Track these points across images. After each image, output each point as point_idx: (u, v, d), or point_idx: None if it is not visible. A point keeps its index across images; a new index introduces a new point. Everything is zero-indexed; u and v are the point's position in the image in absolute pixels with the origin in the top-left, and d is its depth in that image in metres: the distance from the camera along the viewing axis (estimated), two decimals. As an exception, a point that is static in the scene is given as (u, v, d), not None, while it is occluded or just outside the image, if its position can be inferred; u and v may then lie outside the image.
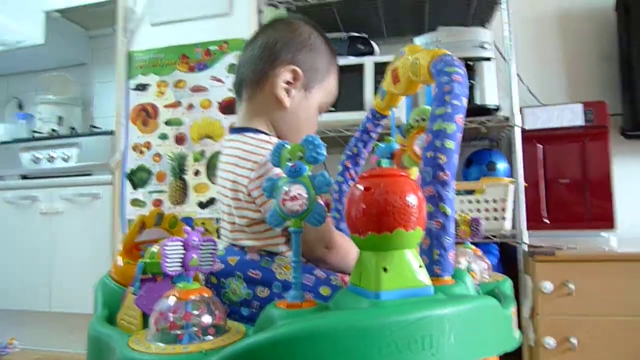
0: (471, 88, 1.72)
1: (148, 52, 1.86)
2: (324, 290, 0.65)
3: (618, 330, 1.38)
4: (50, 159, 1.95)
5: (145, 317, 0.60)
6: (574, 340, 1.40)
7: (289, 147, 0.57)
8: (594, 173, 1.75)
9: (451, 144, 0.62)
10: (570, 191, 1.77)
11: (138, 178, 1.83)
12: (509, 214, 1.60)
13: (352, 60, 1.80)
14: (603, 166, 1.75)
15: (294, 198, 0.54)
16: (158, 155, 1.82)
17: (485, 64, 1.71)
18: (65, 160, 1.93)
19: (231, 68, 1.77)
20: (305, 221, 0.55)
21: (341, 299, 0.53)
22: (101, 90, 2.54)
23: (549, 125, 1.80)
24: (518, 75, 1.91)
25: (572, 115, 1.79)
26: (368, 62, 1.76)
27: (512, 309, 0.67)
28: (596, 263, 1.41)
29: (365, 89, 1.74)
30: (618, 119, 1.86)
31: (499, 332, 0.59)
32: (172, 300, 0.51)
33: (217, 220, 1.74)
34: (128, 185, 1.84)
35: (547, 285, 1.43)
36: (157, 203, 1.80)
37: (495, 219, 1.59)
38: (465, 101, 0.66)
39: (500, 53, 1.77)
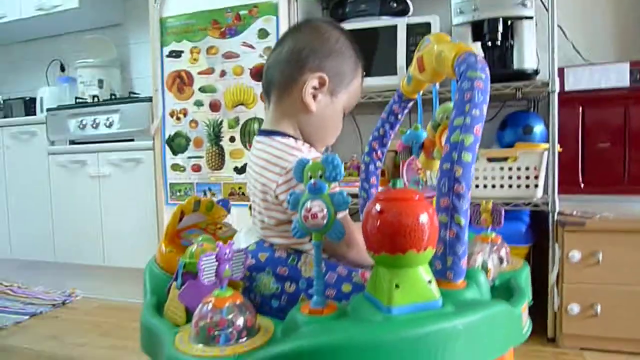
0: (509, 50, 1.65)
1: (179, 18, 1.88)
2: (346, 287, 0.70)
3: (643, 300, 1.40)
4: (95, 125, 2.06)
5: (188, 311, 0.68)
6: (597, 307, 1.43)
7: (310, 164, 0.61)
8: (636, 138, 1.68)
9: (468, 157, 0.63)
10: (610, 155, 1.72)
11: (177, 144, 1.91)
12: (541, 182, 1.59)
13: (384, 21, 1.76)
14: (648, 130, 1.67)
15: (314, 215, 0.58)
16: (194, 121, 1.88)
17: (525, 23, 1.63)
18: (108, 126, 2.04)
19: (261, 33, 1.77)
20: (325, 235, 0.59)
21: (358, 306, 0.59)
22: (137, 51, 2.59)
23: (592, 87, 1.72)
24: (561, 29, 1.83)
25: (617, 75, 1.70)
26: (400, 24, 1.71)
27: (524, 305, 0.71)
28: (625, 234, 1.41)
29: (398, 53, 1.70)
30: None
31: (507, 333, 0.63)
32: (209, 307, 0.58)
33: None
34: (168, 151, 1.93)
35: (576, 255, 1.45)
36: (196, 168, 1.89)
37: (527, 186, 1.58)
38: (485, 108, 0.66)
39: (544, 4, 1.67)
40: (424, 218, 0.54)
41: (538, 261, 1.73)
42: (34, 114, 2.52)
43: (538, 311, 1.57)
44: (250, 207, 0.91)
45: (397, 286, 0.55)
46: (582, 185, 1.76)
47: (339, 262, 0.75)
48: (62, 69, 2.71)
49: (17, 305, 2.05)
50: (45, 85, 2.68)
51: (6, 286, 2.30)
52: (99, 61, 2.44)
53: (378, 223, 0.55)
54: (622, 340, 1.44)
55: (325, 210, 0.59)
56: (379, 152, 1.11)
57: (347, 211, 0.82)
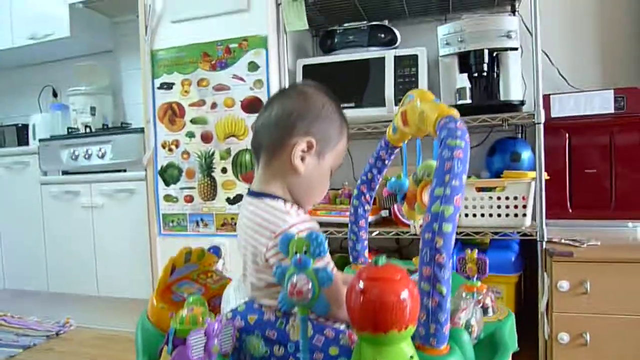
0: (496, 81, 1.68)
1: (170, 51, 1.90)
2: (333, 351, 0.72)
3: (631, 329, 1.41)
4: (87, 156, 2.07)
5: (178, 378, 0.69)
6: (586, 336, 1.45)
7: (296, 239, 0.63)
8: (622, 163, 1.71)
9: (448, 228, 0.65)
10: (597, 181, 1.75)
11: (169, 175, 1.92)
12: (529, 210, 1.61)
13: (372, 53, 1.78)
14: (634, 156, 1.70)
15: (299, 292, 0.60)
16: (186, 152, 1.89)
17: (510, 54, 1.66)
18: (100, 157, 2.05)
19: (251, 66, 1.79)
20: (311, 310, 0.61)
21: (343, 379, 0.60)
22: (129, 78, 2.61)
23: (577, 113, 1.75)
24: (546, 54, 1.87)
25: (602, 102, 1.73)
26: (388, 56, 1.74)
27: (507, 362, 0.73)
28: (612, 264, 1.43)
29: (386, 85, 1.73)
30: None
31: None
32: (197, 384, 0.59)
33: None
34: (160, 182, 1.94)
35: (564, 284, 1.47)
36: (189, 199, 1.90)
37: (516, 215, 1.61)
38: (464, 178, 0.68)
39: (528, 30, 1.69)
40: (405, 298, 0.56)
41: (528, 288, 1.75)
42: (27, 141, 2.53)
43: (530, 338, 1.59)
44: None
45: (379, 363, 0.57)
46: (571, 210, 1.79)
47: (328, 320, 0.76)
48: (55, 94, 2.72)
49: (10, 337, 2.05)
50: (38, 112, 2.70)
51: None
52: (91, 88, 2.46)
53: (361, 302, 0.57)
54: (611, 368, 1.46)
55: (310, 285, 0.60)
56: (367, 195, 1.14)
57: (336, 273, 0.84)
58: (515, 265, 1.60)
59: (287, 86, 0.93)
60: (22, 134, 2.58)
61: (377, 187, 1.14)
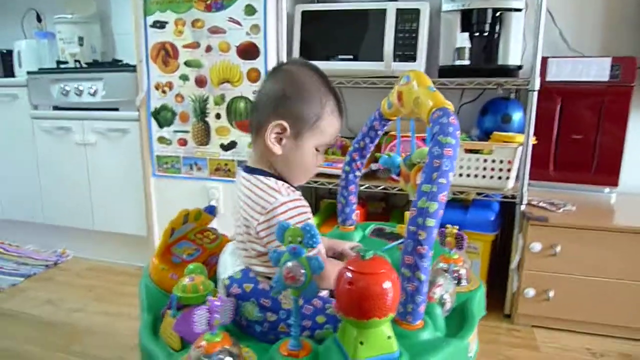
0: (495, 42, 1.66)
1: (163, -14, 1.81)
2: (320, 319, 0.80)
3: (590, 288, 1.55)
4: (79, 92, 2.03)
5: (182, 339, 0.78)
6: (550, 293, 1.59)
7: (291, 229, 0.68)
8: (608, 132, 1.75)
9: (432, 222, 0.71)
10: (582, 147, 1.80)
11: (162, 117, 1.92)
12: (513, 174, 1.68)
13: (373, 4, 1.73)
14: (619, 126, 1.74)
15: (292, 278, 0.66)
16: (180, 95, 1.88)
17: (513, 15, 1.63)
18: (92, 94, 2.01)
19: (248, 9, 1.73)
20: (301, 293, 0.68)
21: (328, 352, 0.69)
22: (117, 5, 2.49)
23: (572, 79, 1.76)
24: (551, 14, 1.83)
25: (598, 70, 1.74)
26: (390, 8, 1.69)
27: (472, 335, 0.83)
28: (583, 230, 1.52)
29: (386, 39, 1.70)
30: (647, 73, 1.79)
31: (454, 364, 0.75)
32: (201, 351, 0.67)
33: (240, 162, 1.87)
34: (154, 123, 1.94)
35: (536, 246, 1.58)
36: (182, 142, 1.92)
37: (500, 177, 1.67)
38: (451, 175, 0.73)
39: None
40: (387, 291, 0.62)
41: (503, 246, 1.87)
42: (11, 69, 2.45)
43: (499, 291, 1.73)
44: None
45: (361, 343, 0.65)
46: (553, 173, 1.86)
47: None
48: (39, 19, 2.60)
49: (11, 265, 2.14)
50: (22, 38, 2.59)
51: (-3, 244, 2.38)
52: (78, 17, 2.35)
53: (346, 293, 0.63)
54: (567, 320, 1.62)
55: (303, 272, 0.66)
56: (358, 162, 1.18)
57: (322, 250, 0.90)
58: (494, 224, 1.69)
59: (276, 65, 0.92)
60: (6, 61, 2.49)
61: (369, 155, 1.18)
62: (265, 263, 0.84)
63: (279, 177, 0.86)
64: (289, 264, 0.67)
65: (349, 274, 0.64)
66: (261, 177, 0.85)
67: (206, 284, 0.82)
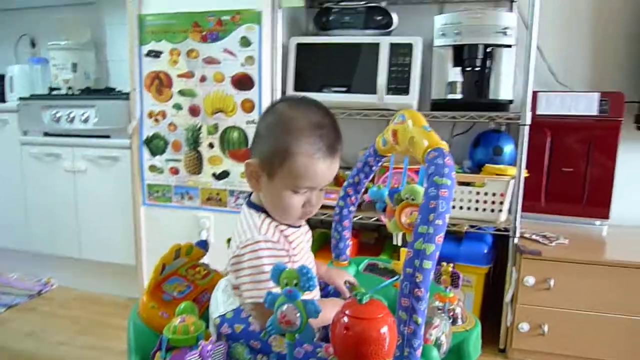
0: (487, 77, 1.69)
1: (159, 17, 1.83)
2: None
3: (586, 323, 1.54)
4: (70, 119, 2.02)
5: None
6: (544, 327, 1.57)
7: (287, 271, 0.66)
8: (598, 165, 1.77)
9: (428, 265, 0.69)
10: (572, 180, 1.81)
11: (154, 145, 1.91)
12: (505, 206, 1.68)
13: (367, 38, 1.76)
14: (609, 159, 1.76)
15: (287, 322, 0.64)
16: (173, 124, 1.88)
17: (505, 50, 1.67)
18: (83, 121, 2.00)
19: (243, 41, 1.75)
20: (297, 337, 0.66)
21: (323, 400, 0.66)
22: (112, 33, 2.50)
23: (562, 113, 1.79)
24: (540, 50, 1.87)
25: (587, 104, 1.77)
26: (383, 43, 1.72)
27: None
28: (576, 264, 1.52)
29: (379, 72, 1.72)
30: (634, 106, 1.82)
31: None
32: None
33: (232, 192, 1.86)
34: (145, 151, 1.93)
35: (530, 280, 1.57)
36: (174, 171, 1.90)
37: (492, 210, 1.67)
38: (448, 218, 0.72)
39: (525, 25, 1.67)
40: (384, 338, 0.60)
41: (497, 279, 1.85)
42: (2, 94, 2.43)
43: (493, 324, 1.71)
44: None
45: (358, 392, 0.63)
46: (544, 205, 1.87)
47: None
48: (33, 45, 2.61)
49: (-7, 294, 2.08)
50: (15, 63, 2.58)
51: (-20, 272, 2.31)
52: (72, 43, 2.35)
53: (343, 338, 0.62)
54: (562, 356, 1.60)
55: (298, 316, 0.65)
56: (352, 197, 1.18)
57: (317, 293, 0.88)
58: (487, 257, 1.69)
59: (272, 101, 0.93)
60: (-1, 86, 2.49)
61: (363, 190, 1.18)
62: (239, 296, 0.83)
63: (266, 214, 0.85)
64: (284, 307, 0.65)
65: (346, 319, 0.62)
66: (252, 212, 0.85)
67: (197, 325, 0.79)
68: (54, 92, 2.22)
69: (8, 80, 2.42)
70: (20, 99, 2.14)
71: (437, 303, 0.99)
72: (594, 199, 1.80)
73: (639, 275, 1.47)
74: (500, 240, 1.80)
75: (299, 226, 0.90)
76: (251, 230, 0.82)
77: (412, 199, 0.94)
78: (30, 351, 1.65)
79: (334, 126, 0.84)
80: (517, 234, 1.63)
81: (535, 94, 1.77)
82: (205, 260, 1.12)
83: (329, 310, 0.90)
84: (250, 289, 0.79)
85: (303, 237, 0.91)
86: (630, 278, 1.48)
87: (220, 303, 0.88)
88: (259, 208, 0.86)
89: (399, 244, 1.07)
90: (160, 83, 1.87)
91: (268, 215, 0.85)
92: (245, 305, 0.83)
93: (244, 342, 0.80)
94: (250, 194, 0.91)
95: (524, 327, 1.60)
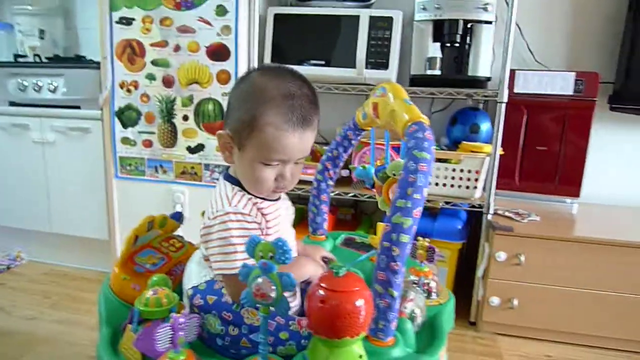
0: (466, 53, 1.69)
1: (131, -18, 1.74)
2: (283, 335, 0.77)
3: (554, 297, 1.59)
4: (37, 88, 1.93)
5: (143, 356, 0.74)
6: (514, 301, 1.62)
7: (262, 243, 0.65)
8: (571, 144, 1.81)
9: (406, 238, 0.69)
10: (546, 158, 1.85)
11: (127, 117, 1.85)
12: (480, 184, 1.70)
13: (347, 10, 1.72)
14: (582, 139, 1.80)
15: (262, 295, 0.64)
16: (146, 95, 1.81)
17: (484, 27, 1.66)
18: (52, 91, 1.92)
19: (219, 10, 1.69)
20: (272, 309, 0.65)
21: (298, 371, 0.67)
22: (82, -1, 2.38)
23: (538, 92, 1.81)
24: (519, 27, 1.87)
25: (562, 84, 1.79)
26: (363, 15, 1.69)
27: (441, 351, 0.82)
28: (546, 240, 1.56)
29: (359, 45, 1.69)
30: (609, 87, 1.85)
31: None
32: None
33: (207, 165, 1.82)
34: (117, 123, 1.87)
35: (502, 255, 1.60)
36: (147, 143, 1.85)
37: (467, 187, 1.69)
38: (426, 191, 0.72)
39: (506, 1, 1.66)
40: (359, 311, 0.61)
41: (469, 254, 1.89)
42: (-35, 61, 2.31)
43: (466, 298, 1.75)
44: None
45: (332, 362, 0.63)
46: (518, 183, 1.90)
47: None
48: (-4, 8, 2.46)
49: (-42, 269, 2.01)
50: (-23, 27, 2.44)
51: (-56, 246, 2.23)
52: (39, 8, 2.23)
53: (318, 311, 0.61)
54: (531, 329, 1.65)
55: (273, 289, 0.64)
56: (331, 171, 1.17)
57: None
58: (461, 233, 1.71)
59: (245, 71, 0.89)
60: (-41, 52, 2.35)
61: (342, 164, 1.17)
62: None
63: (238, 185, 0.85)
64: (259, 280, 0.64)
65: (322, 292, 0.62)
66: (227, 183, 0.85)
67: (170, 297, 0.78)
68: (20, 60, 2.10)
69: (-31, 46, 2.29)
70: (-16, 65, 2.03)
71: (412, 277, 1.00)
72: (566, 177, 1.84)
73: (607, 251, 1.52)
74: (474, 217, 1.83)
75: (277, 200, 0.89)
76: (222, 202, 0.82)
77: (398, 175, 0.92)
78: (0, 325, 1.61)
79: (309, 97, 0.81)
80: (491, 211, 1.66)
81: (513, 72, 1.78)
82: (179, 232, 1.10)
83: (302, 267, 0.90)
84: (219, 261, 0.78)
85: (282, 211, 0.89)
86: (599, 254, 1.53)
87: (194, 275, 0.87)
88: (234, 181, 0.85)
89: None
90: (132, 52, 1.79)
91: (243, 188, 0.84)
92: (217, 276, 0.82)
93: (216, 314, 0.79)
94: (228, 167, 0.90)
95: (495, 301, 1.64)
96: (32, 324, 1.64)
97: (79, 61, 2.06)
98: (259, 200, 0.84)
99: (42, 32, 2.23)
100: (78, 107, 1.92)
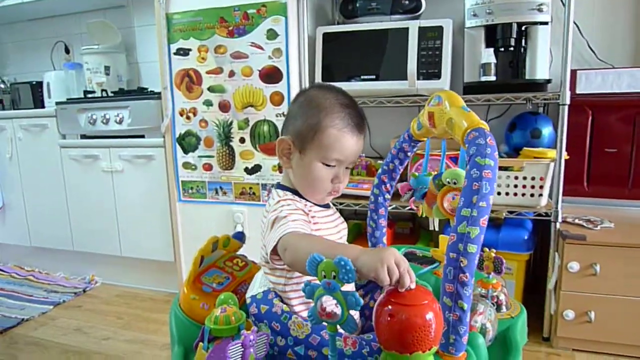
0: (522, 56, 1.63)
1: (186, 15, 1.84)
2: (326, 351, 0.76)
3: (634, 309, 1.47)
4: (105, 121, 2.08)
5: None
6: (591, 315, 1.51)
7: (324, 262, 0.65)
8: (643, 144, 1.69)
9: (473, 249, 0.67)
10: (616, 161, 1.73)
11: (187, 143, 1.94)
12: (546, 191, 1.62)
13: (395, 23, 1.72)
14: (655, 137, 1.68)
15: (328, 315, 0.63)
16: (204, 121, 1.90)
17: (540, 28, 1.60)
18: (118, 122, 2.05)
19: (270, 34, 1.74)
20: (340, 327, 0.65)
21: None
22: (142, 34, 2.55)
23: (603, 91, 1.71)
24: (577, 26, 1.79)
25: (630, 80, 1.68)
26: (412, 27, 1.68)
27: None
28: (622, 248, 1.45)
29: (409, 57, 1.68)
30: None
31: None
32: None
33: (264, 185, 1.87)
34: (178, 149, 1.96)
35: (574, 266, 1.51)
36: (207, 167, 1.93)
37: (532, 195, 1.62)
38: (492, 198, 0.69)
39: (561, 1, 1.61)
40: (430, 324, 0.59)
41: (539, 266, 1.80)
42: (41, 100, 2.53)
43: (537, 311, 1.65)
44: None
45: (404, 379, 0.61)
46: (587, 189, 1.79)
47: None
48: (67, 51, 2.69)
49: (41, 292, 2.17)
50: (51, 69, 2.68)
51: (28, 271, 2.41)
52: (104, 47, 2.41)
53: (388, 325, 0.60)
54: (611, 344, 1.53)
55: (339, 310, 0.63)
56: (387, 185, 1.15)
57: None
58: (528, 243, 1.63)
59: (299, 90, 1.03)
60: (36, 93, 2.57)
61: (398, 177, 1.15)
62: (273, 272, 0.86)
63: (296, 192, 0.90)
64: (324, 299, 0.64)
65: (390, 306, 0.61)
66: (278, 190, 0.91)
67: (238, 315, 0.80)
68: (89, 96, 2.28)
69: (45, 86, 2.51)
70: (57, 103, 2.21)
71: (480, 290, 0.96)
72: (640, 180, 1.72)
73: (693, 258, 1.39)
74: (541, 226, 1.74)
75: (327, 207, 0.94)
76: (273, 209, 0.86)
77: (455, 183, 0.91)
78: (78, 346, 1.71)
79: (358, 108, 0.91)
80: (560, 219, 1.57)
81: (574, 72, 1.70)
82: (242, 252, 1.13)
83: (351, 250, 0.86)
84: (271, 232, 0.80)
85: (329, 219, 0.93)
86: (684, 261, 1.40)
87: (257, 285, 0.90)
88: (287, 189, 0.91)
89: (436, 229, 1.04)
90: (190, 80, 1.89)
91: (296, 193, 0.90)
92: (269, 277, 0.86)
93: (267, 322, 0.82)
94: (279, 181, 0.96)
95: (569, 314, 1.54)
96: (107, 344, 1.72)
97: (141, 93, 2.19)
98: (310, 203, 0.89)
99: (107, 68, 2.41)
100: (142, 136, 2.04)
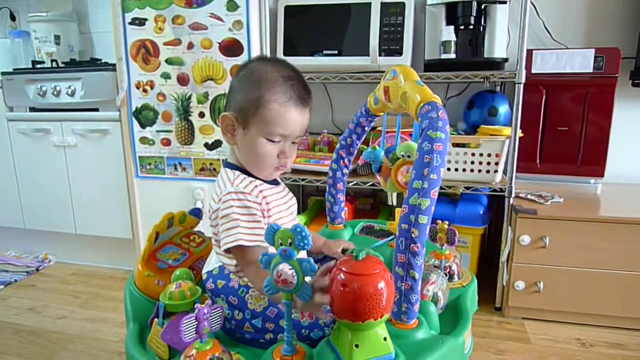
0: (481, 35, 1.65)
1: (142, -18, 1.76)
2: (283, 322, 0.77)
3: (580, 279, 1.55)
4: (56, 93, 1.97)
5: (170, 348, 0.75)
6: (540, 285, 1.59)
7: (281, 230, 0.65)
8: (593, 123, 1.77)
9: (424, 219, 0.69)
10: (567, 139, 1.81)
11: (144, 117, 1.87)
12: (501, 167, 1.67)
13: (357, -2, 1.70)
14: (604, 117, 1.75)
15: (283, 281, 0.64)
16: (162, 94, 1.83)
17: (498, 7, 1.62)
18: (70, 94, 1.95)
19: (230, 5, 1.69)
20: (295, 295, 0.66)
21: (323, 355, 0.66)
22: (94, 3, 2.41)
23: (557, 71, 1.77)
24: (534, 6, 1.83)
25: (582, 61, 1.74)
26: (374, 2, 1.67)
27: (467, 332, 0.81)
28: (570, 222, 1.53)
29: (371, 33, 1.67)
30: (631, 62, 1.80)
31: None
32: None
33: (224, 161, 1.84)
34: (135, 123, 1.89)
35: (526, 239, 1.58)
36: (166, 142, 1.87)
37: (487, 171, 1.67)
38: (442, 171, 0.71)
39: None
40: (381, 293, 0.60)
41: (492, 239, 1.87)
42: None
43: (490, 283, 1.73)
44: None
45: (356, 345, 0.63)
46: (539, 165, 1.87)
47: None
48: (13, 18, 2.51)
49: (-10, 272, 2.08)
50: (-3, 37, 2.51)
51: (-24, 251, 2.31)
52: (53, 14, 2.27)
53: (341, 295, 0.61)
54: (557, 312, 1.63)
55: (294, 276, 0.64)
56: (345, 160, 1.17)
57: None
58: (483, 218, 1.69)
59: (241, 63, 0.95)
60: (-20, 61, 2.41)
61: (355, 152, 1.16)
62: (225, 254, 0.85)
63: (244, 171, 0.88)
64: (280, 266, 0.64)
65: (342, 276, 0.62)
66: (227, 170, 0.89)
67: (193, 290, 0.79)
68: (38, 66, 2.15)
69: (-10, 55, 2.35)
70: (3, 73, 2.08)
71: (433, 260, 0.99)
72: (589, 157, 1.80)
73: (633, 231, 1.48)
74: (496, 201, 1.80)
75: (277, 184, 0.92)
76: (225, 185, 0.85)
77: (408, 156, 0.92)
78: (32, 325, 1.66)
79: (303, 81, 0.87)
80: (513, 194, 1.63)
81: (530, 52, 1.75)
82: (199, 228, 1.11)
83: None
84: (224, 237, 0.80)
85: (279, 195, 0.91)
86: (625, 234, 1.49)
87: (213, 261, 0.89)
88: (235, 167, 0.89)
89: (394, 203, 1.06)
90: (146, 52, 1.81)
91: (244, 172, 0.88)
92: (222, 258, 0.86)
93: (224, 297, 0.83)
94: (226, 158, 0.94)
95: (520, 285, 1.62)
96: (62, 322, 1.68)
97: (94, 64, 2.09)
98: (259, 182, 0.87)
99: (57, 37, 2.27)
100: (96, 110, 1.95)
